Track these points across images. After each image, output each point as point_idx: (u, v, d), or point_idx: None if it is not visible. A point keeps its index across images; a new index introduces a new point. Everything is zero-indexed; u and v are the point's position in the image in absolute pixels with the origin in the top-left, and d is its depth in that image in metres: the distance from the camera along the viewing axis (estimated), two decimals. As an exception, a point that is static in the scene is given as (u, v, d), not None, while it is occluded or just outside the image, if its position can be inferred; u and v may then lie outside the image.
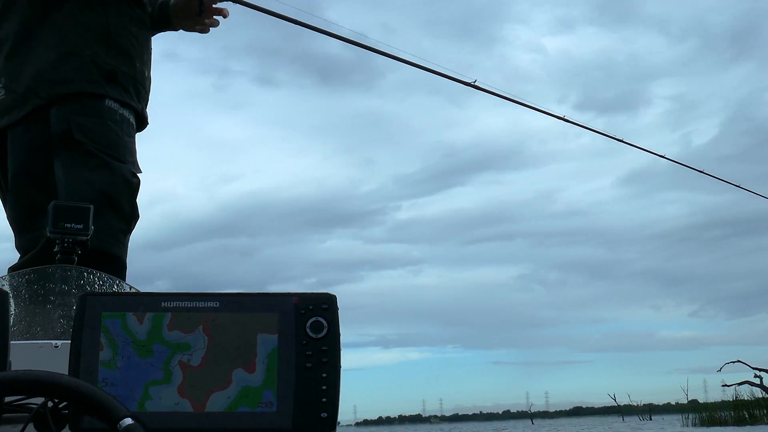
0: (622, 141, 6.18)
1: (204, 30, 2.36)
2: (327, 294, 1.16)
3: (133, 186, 1.97)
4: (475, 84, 4.16)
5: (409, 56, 3.79)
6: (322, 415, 1.10)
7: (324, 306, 1.14)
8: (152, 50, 2.24)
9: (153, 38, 2.27)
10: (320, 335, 1.13)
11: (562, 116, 5.17)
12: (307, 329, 1.12)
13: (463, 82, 4.07)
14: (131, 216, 1.98)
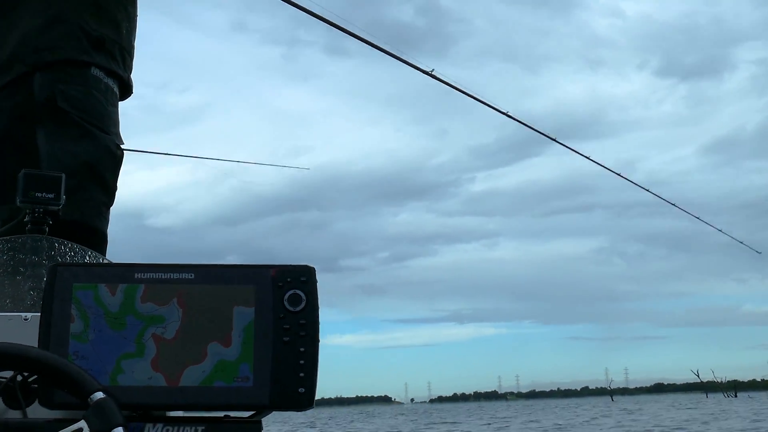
0: (546, 135, 6.05)
1: None
2: (305, 266, 1.15)
3: (117, 158, 1.96)
4: (432, 73, 4.17)
5: (370, 36, 3.78)
6: (299, 390, 1.09)
7: (302, 278, 1.13)
8: (140, 15, 2.21)
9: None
10: (298, 308, 1.11)
11: (505, 112, 5.09)
12: (285, 302, 1.11)
13: (420, 70, 4.12)
14: (113, 189, 1.97)
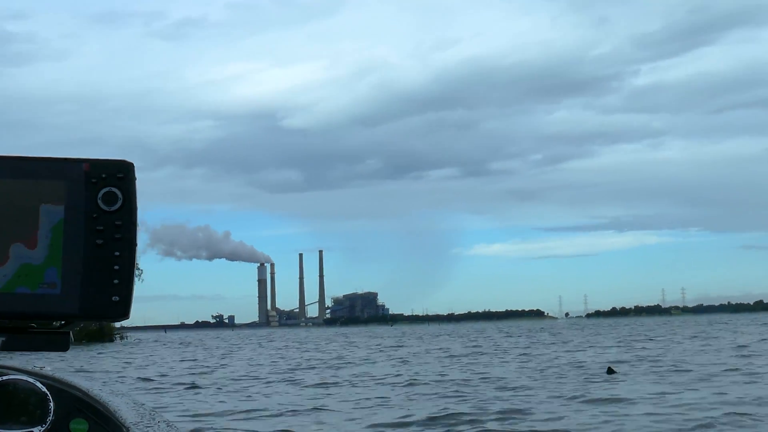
0: None
1: None
2: (123, 161, 1.08)
3: None
4: None
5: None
6: (113, 298, 1.04)
7: (119, 175, 1.07)
8: None
9: None
10: (114, 208, 1.06)
11: None
12: (99, 201, 1.06)
13: None
14: None
